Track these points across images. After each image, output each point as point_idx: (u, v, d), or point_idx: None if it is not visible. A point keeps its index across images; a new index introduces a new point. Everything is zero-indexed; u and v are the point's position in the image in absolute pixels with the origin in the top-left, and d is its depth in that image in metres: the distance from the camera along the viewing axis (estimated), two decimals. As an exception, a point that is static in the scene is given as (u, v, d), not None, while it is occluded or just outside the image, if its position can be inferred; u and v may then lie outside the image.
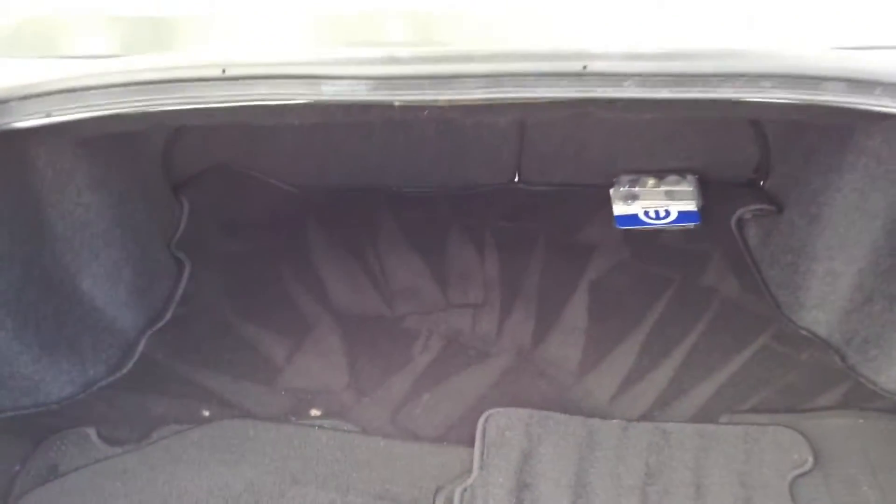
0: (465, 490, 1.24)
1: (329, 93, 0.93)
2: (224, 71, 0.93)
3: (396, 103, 0.94)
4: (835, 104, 0.95)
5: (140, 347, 1.56)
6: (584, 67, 0.92)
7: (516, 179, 2.04)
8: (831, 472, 1.26)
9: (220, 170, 1.98)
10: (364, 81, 0.92)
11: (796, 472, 1.26)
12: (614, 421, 1.37)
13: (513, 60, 0.92)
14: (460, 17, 1.14)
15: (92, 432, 1.36)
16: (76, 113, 0.97)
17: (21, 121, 0.98)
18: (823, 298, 1.56)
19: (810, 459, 1.28)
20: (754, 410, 1.39)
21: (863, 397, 1.41)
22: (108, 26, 1.23)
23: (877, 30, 1.00)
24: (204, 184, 1.95)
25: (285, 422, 1.38)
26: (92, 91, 0.95)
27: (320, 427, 1.38)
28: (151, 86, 0.95)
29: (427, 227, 1.89)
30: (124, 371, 1.51)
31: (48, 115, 0.97)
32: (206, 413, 1.41)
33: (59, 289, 1.49)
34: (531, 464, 1.28)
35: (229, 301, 1.68)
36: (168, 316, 1.63)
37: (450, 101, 0.92)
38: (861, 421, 1.36)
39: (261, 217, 1.92)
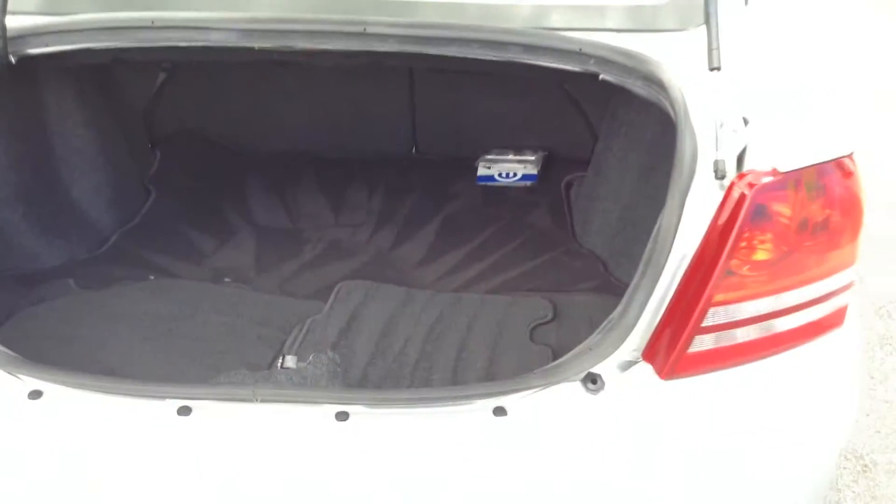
0: (313, 320, 1.84)
1: (213, 39, 1.56)
2: (153, 22, 1.57)
3: (256, 47, 1.58)
4: (515, 60, 1.57)
5: (113, 239, 2.19)
6: (364, 29, 1.55)
7: (414, 151, 2.68)
8: (562, 323, 1.85)
9: (186, 134, 2.63)
10: (235, 32, 1.56)
11: (537, 321, 1.85)
12: (428, 290, 1.98)
13: (321, 24, 1.56)
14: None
15: (70, 281, 1.98)
16: (63, 46, 1.60)
17: (31, 49, 1.61)
18: (600, 228, 2.17)
19: (550, 315, 1.87)
20: (528, 290, 1.99)
21: (608, 288, 2.01)
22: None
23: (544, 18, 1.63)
24: (173, 143, 2.59)
25: (204, 281, 2.01)
26: (75, 32, 1.59)
27: (227, 285, 2.00)
28: (110, 30, 1.59)
29: (337, 178, 2.52)
30: (98, 253, 2.14)
31: (47, 46, 1.61)
32: (152, 277, 2.03)
33: (57, 193, 2.13)
34: (362, 310, 1.88)
35: (181, 216, 2.31)
36: (136, 221, 2.27)
37: (286, 46, 1.57)
38: (598, 298, 1.96)
39: (213, 168, 2.56)
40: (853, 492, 2.42)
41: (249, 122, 2.64)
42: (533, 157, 2.51)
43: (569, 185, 2.47)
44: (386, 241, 2.21)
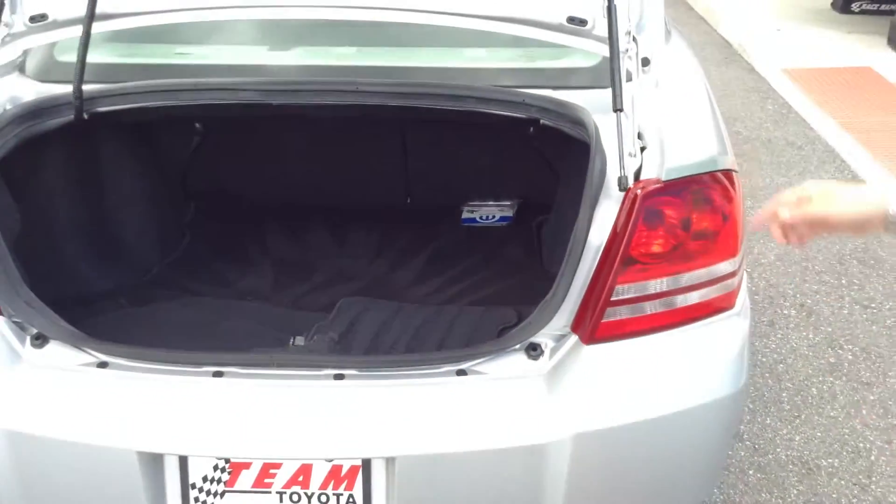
0: (318, 325, 2.24)
1: (241, 97, 2.02)
2: (195, 85, 2.03)
3: (274, 103, 2.04)
4: (474, 110, 2.01)
5: (155, 269, 2.62)
6: (357, 87, 2.01)
7: (408, 201, 3.12)
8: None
9: (215, 189, 3.08)
10: (257, 92, 2.02)
11: (505, 324, 2.24)
12: (416, 304, 2.38)
13: (323, 84, 2.01)
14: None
15: (123, 301, 2.41)
16: (126, 104, 2.07)
17: (100, 107, 2.08)
18: (562, 256, 2.58)
19: (515, 320, 2.26)
20: (499, 304, 2.39)
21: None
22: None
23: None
24: (204, 196, 3.05)
25: (230, 299, 2.43)
26: (135, 94, 2.06)
27: (249, 302, 2.42)
28: (161, 92, 2.05)
29: (342, 223, 2.96)
30: (144, 280, 2.57)
31: (113, 105, 2.07)
32: (186, 298, 2.45)
33: (110, 230, 2.57)
34: (360, 318, 2.28)
35: (210, 252, 2.74)
36: (174, 255, 2.70)
37: (298, 103, 2.02)
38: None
39: (237, 215, 3.00)
40: (797, 490, 2.75)
41: (268, 179, 3.08)
42: (509, 203, 2.96)
43: (539, 225, 2.89)
44: (382, 269, 2.63)
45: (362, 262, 2.68)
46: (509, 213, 2.93)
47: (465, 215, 2.96)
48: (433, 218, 2.98)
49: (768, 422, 3.03)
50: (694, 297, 1.75)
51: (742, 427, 2.97)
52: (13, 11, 1.94)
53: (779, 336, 3.52)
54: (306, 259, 2.72)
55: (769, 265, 4.03)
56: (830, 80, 6.10)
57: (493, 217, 2.94)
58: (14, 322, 1.78)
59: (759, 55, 6.73)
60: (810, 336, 3.54)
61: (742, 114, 5.87)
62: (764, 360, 3.36)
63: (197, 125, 2.69)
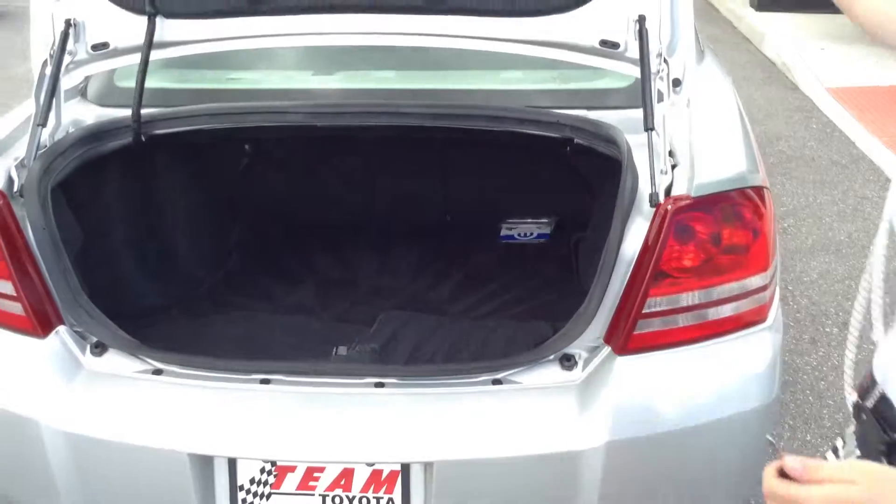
0: (360, 337, 2.32)
1: (289, 119, 2.12)
2: (245, 109, 2.14)
3: (319, 125, 2.13)
4: (510, 130, 2.08)
5: (205, 286, 2.74)
6: (397, 109, 2.09)
7: (448, 219, 3.19)
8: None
9: (261, 210, 3.19)
10: (304, 115, 2.12)
11: (540, 338, 2.30)
12: (453, 318, 2.45)
13: (365, 107, 2.11)
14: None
15: (175, 313, 2.52)
16: (181, 127, 2.18)
17: (157, 130, 2.20)
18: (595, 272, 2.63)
19: (550, 334, 2.31)
20: (535, 319, 2.45)
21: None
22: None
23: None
24: (251, 217, 3.16)
25: (276, 314, 2.52)
26: (190, 118, 2.17)
27: (294, 317, 2.51)
28: (215, 115, 2.16)
29: (384, 241, 3.04)
30: (195, 295, 2.68)
31: (169, 128, 2.19)
32: (235, 312, 2.56)
33: (162, 248, 2.69)
34: (400, 331, 2.36)
35: (257, 270, 2.85)
36: (222, 273, 2.82)
37: (342, 125, 2.12)
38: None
39: (282, 235, 3.11)
40: None
41: (312, 198, 3.18)
42: (547, 220, 3.02)
43: (577, 243, 2.94)
44: (422, 285, 2.71)
45: (403, 279, 2.76)
46: (546, 230, 2.99)
47: (503, 232, 3.02)
48: (472, 235, 3.05)
49: (808, 438, 3.03)
50: (725, 311, 1.79)
51: (782, 443, 2.97)
52: (77, 40, 2.08)
53: (820, 354, 3.51)
54: (349, 276, 2.81)
55: (811, 283, 4.02)
56: (875, 98, 6.06)
57: (531, 234, 3.00)
58: (75, 331, 1.89)
59: (802, 74, 6.70)
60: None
61: (786, 133, 5.86)
62: (805, 377, 3.35)
63: (246, 146, 2.80)
